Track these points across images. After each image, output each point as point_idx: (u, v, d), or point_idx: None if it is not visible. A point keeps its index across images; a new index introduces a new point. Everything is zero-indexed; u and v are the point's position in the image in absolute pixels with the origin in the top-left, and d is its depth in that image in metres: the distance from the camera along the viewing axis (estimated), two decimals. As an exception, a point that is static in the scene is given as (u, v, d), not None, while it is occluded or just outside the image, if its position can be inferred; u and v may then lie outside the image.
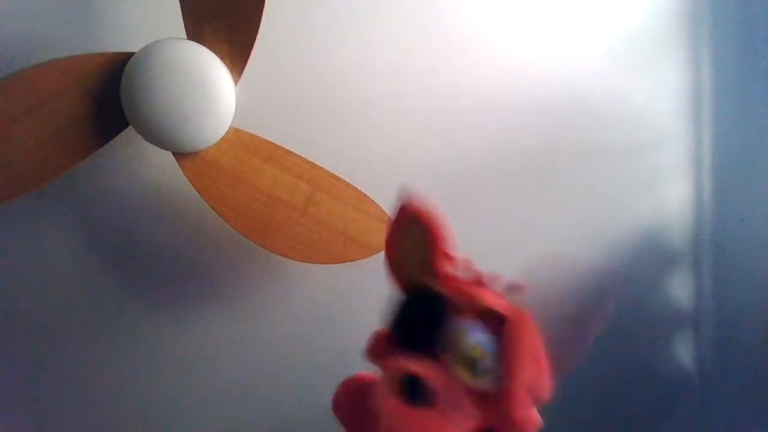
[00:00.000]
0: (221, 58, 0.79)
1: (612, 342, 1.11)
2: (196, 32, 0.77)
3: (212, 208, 0.82)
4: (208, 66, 0.78)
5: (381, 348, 0.58)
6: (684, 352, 1.15)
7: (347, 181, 0.86)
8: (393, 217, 0.63)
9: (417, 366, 0.50)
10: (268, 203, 0.83)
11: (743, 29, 1.04)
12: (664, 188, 1.10)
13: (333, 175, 0.86)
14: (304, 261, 0.86)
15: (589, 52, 1.03)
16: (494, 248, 1.04)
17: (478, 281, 0.59)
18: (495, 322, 0.53)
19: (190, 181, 0.81)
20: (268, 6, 0.75)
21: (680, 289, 1.14)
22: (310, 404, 1.01)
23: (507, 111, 1.01)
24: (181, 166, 0.81)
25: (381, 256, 0.84)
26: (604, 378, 1.12)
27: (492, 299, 0.56)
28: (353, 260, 0.87)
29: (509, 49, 1.00)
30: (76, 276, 0.93)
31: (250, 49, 0.78)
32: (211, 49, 0.78)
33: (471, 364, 0.51)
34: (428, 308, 0.55)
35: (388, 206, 0.88)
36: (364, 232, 0.87)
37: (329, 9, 0.92)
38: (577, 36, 1.02)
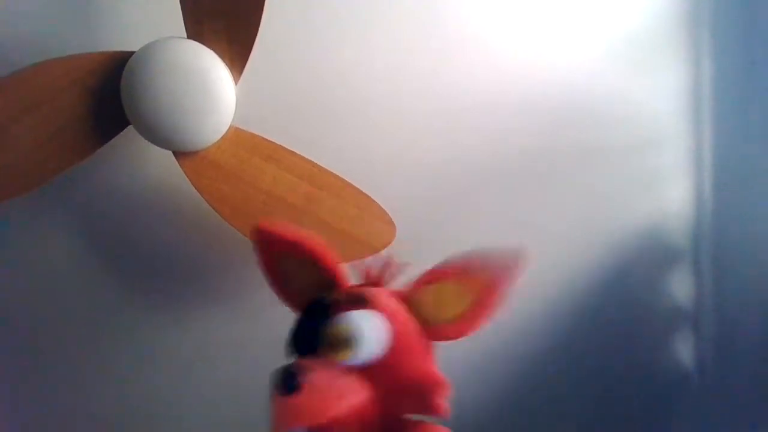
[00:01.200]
0: (221, 57, 0.79)
1: (612, 342, 1.11)
2: (196, 31, 0.77)
3: (212, 207, 0.82)
4: (208, 65, 0.78)
5: None
6: (684, 352, 1.15)
7: (347, 180, 0.86)
8: (258, 252, 0.71)
9: (290, 363, 0.58)
10: (269, 202, 0.83)
11: (743, 29, 1.04)
12: (664, 188, 1.10)
13: (333, 175, 0.86)
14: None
15: (589, 52, 1.03)
16: (490, 246, 1.04)
17: (372, 281, 0.69)
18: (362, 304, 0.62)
19: (190, 180, 0.82)
20: (268, 6, 0.75)
21: (680, 288, 1.14)
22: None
23: (507, 111, 1.01)
24: (181, 166, 0.81)
25: (381, 256, 0.84)
26: (603, 377, 1.12)
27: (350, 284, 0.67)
28: (353, 260, 0.87)
29: (509, 49, 1.00)
30: (76, 275, 0.93)
31: (250, 49, 0.78)
32: (211, 49, 0.78)
33: (341, 341, 0.59)
34: (314, 316, 0.63)
35: (389, 206, 0.88)
36: (365, 231, 0.87)
37: (329, 9, 0.92)
38: (577, 36, 1.02)
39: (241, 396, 1.01)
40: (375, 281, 0.69)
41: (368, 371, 0.60)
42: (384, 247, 0.87)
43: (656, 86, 1.07)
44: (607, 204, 1.08)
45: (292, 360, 0.60)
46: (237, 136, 0.83)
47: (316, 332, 0.61)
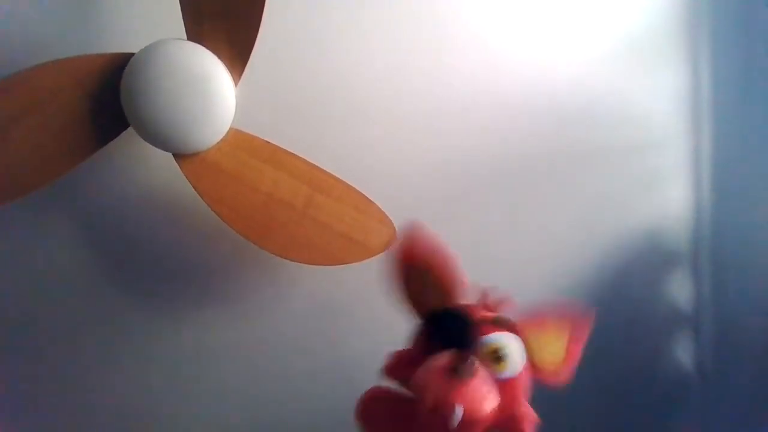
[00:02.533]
0: (221, 58, 0.79)
1: (612, 342, 1.11)
2: (196, 33, 0.77)
3: (212, 209, 0.82)
4: (208, 67, 0.78)
5: (401, 366, 0.69)
6: (684, 352, 1.15)
7: (347, 182, 0.86)
8: (399, 259, 0.72)
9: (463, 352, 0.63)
10: (268, 204, 0.83)
11: (743, 29, 1.04)
12: (664, 189, 1.10)
13: (333, 177, 0.86)
14: (303, 262, 0.86)
15: (589, 53, 1.03)
16: (494, 249, 1.04)
17: (485, 304, 0.74)
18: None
19: (190, 182, 0.81)
20: (268, 6, 0.75)
21: (680, 289, 1.14)
22: (309, 405, 1.02)
23: (506, 112, 1.01)
24: (181, 167, 0.81)
25: (380, 258, 0.84)
26: (604, 378, 1.12)
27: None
28: (353, 262, 0.87)
29: (509, 51, 1.00)
30: (76, 276, 0.93)
31: (250, 50, 0.78)
32: (211, 50, 0.78)
33: (500, 356, 0.65)
34: (457, 325, 0.68)
35: (389, 207, 0.88)
36: (364, 233, 0.87)
37: (329, 10, 0.92)
38: (577, 37, 1.02)
39: (241, 396, 1.01)
40: (486, 305, 0.73)
41: (499, 387, 0.65)
42: (384, 248, 0.88)
43: (656, 87, 1.07)
44: (606, 205, 1.08)
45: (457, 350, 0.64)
46: (237, 138, 0.83)
47: (471, 338, 0.66)
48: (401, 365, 0.69)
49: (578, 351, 0.70)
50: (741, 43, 1.04)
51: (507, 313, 0.73)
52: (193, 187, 0.82)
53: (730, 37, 1.05)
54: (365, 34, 0.95)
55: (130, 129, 0.79)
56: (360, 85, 0.95)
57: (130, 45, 0.78)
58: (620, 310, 1.11)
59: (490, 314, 0.71)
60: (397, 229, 0.89)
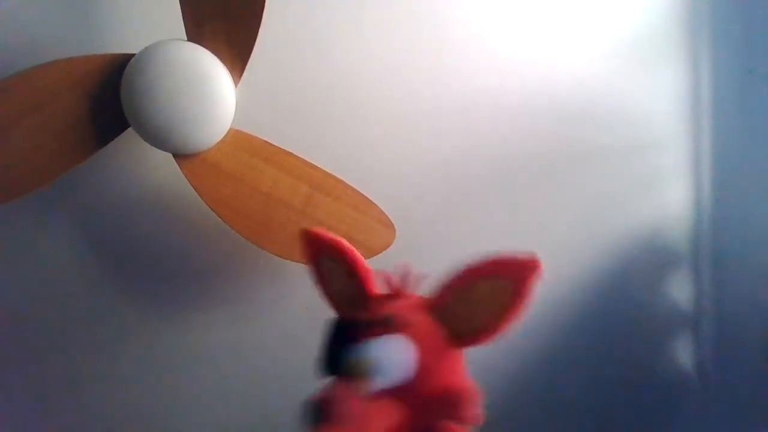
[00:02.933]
0: (221, 59, 0.79)
1: (612, 343, 1.11)
2: (196, 33, 0.77)
3: (212, 209, 0.82)
4: (208, 67, 0.78)
5: None
6: (684, 352, 1.15)
7: (347, 182, 0.86)
8: (305, 251, 0.73)
9: (321, 393, 0.58)
10: (268, 204, 0.84)
11: (743, 29, 1.04)
12: (664, 189, 1.10)
13: (332, 177, 0.86)
14: (302, 262, 0.86)
15: (589, 53, 1.03)
16: (494, 249, 1.04)
17: (397, 290, 0.68)
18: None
19: (190, 182, 0.82)
20: (268, 7, 0.75)
21: (680, 289, 1.14)
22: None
23: (506, 113, 1.01)
24: (181, 168, 0.81)
25: (380, 257, 0.84)
26: (604, 379, 1.12)
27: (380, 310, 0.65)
28: (353, 261, 0.87)
29: (509, 51, 1.00)
30: (76, 277, 0.93)
31: (250, 51, 0.78)
32: (211, 51, 0.78)
33: (360, 372, 0.59)
34: (342, 339, 0.64)
35: (389, 208, 0.88)
36: (364, 233, 0.87)
37: (329, 11, 0.92)
38: (577, 37, 1.02)
39: (241, 396, 1.01)
40: (398, 290, 0.69)
41: (398, 392, 0.60)
42: (383, 249, 0.88)
43: (656, 88, 1.07)
44: (606, 205, 1.08)
45: (323, 386, 0.61)
46: (237, 139, 0.83)
47: (342, 357, 0.62)
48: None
49: (521, 300, 0.61)
50: (741, 43, 1.04)
51: (426, 289, 0.67)
52: (193, 187, 0.82)
53: (730, 37, 1.05)
54: (365, 34, 0.95)
55: (130, 129, 0.79)
56: (360, 85, 0.95)
57: (130, 45, 0.78)
58: (620, 310, 1.11)
59: (371, 316, 0.65)
60: (396, 229, 0.89)
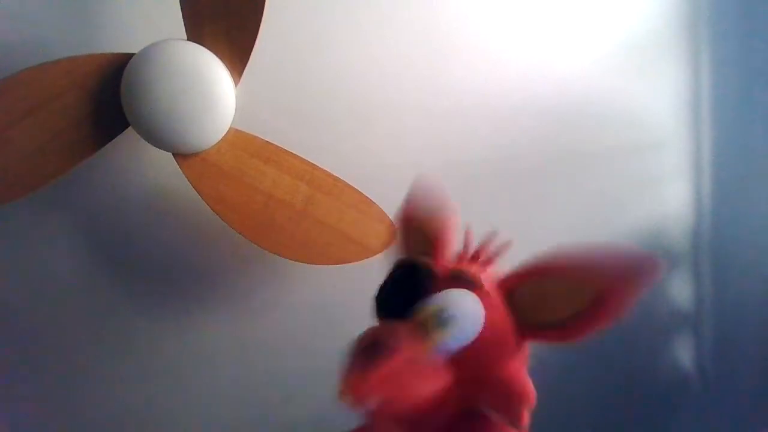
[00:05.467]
0: (221, 59, 0.79)
1: (612, 343, 1.11)
2: (196, 33, 0.77)
3: (212, 209, 0.82)
4: (208, 67, 0.78)
5: None
6: (684, 352, 1.15)
7: (347, 182, 0.86)
8: (402, 210, 0.69)
9: (379, 329, 0.54)
10: (268, 204, 0.84)
11: (743, 30, 1.04)
12: (664, 189, 1.10)
13: (333, 177, 0.86)
14: (303, 262, 0.86)
15: (589, 55, 1.03)
16: (493, 249, 1.04)
17: (474, 256, 0.63)
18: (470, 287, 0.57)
19: (190, 182, 0.82)
20: (268, 7, 0.75)
21: (680, 289, 1.14)
22: (309, 404, 1.01)
23: (507, 113, 1.01)
24: (181, 167, 0.81)
25: (380, 257, 0.84)
26: (604, 380, 1.12)
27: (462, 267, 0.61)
28: (352, 261, 0.87)
29: (509, 52, 1.00)
30: (77, 277, 0.93)
31: (250, 50, 0.78)
32: (211, 51, 0.78)
33: (439, 322, 0.53)
34: (412, 282, 0.57)
35: (388, 207, 0.88)
36: (364, 233, 0.87)
37: (329, 11, 0.92)
38: (577, 39, 1.02)
39: (242, 397, 1.01)
40: (473, 259, 0.63)
41: (456, 356, 0.54)
42: (384, 248, 0.88)
43: (656, 89, 1.07)
44: (606, 206, 1.08)
45: (378, 321, 0.57)
46: (237, 138, 0.83)
47: (412, 301, 0.56)
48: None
49: (613, 306, 0.53)
50: (741, 43, 1.04)
51: (505, 265, 0.62)
52: (193, 187, 0.82)
53: (730, 37, 1.05)
54: (365, 35, 0.95)
55: (130, 129, 0.79)
56: (360, 85, 0.95)
57: (130, 45, 0.78)
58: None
59: (450, 268, 0.60)
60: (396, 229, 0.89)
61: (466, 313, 0.54)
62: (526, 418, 0.55)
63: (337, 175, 0.86)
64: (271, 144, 0.84)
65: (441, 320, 0.53)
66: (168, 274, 0.95)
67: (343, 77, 0.94)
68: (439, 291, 0.56)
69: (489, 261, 0.63)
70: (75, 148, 0.79)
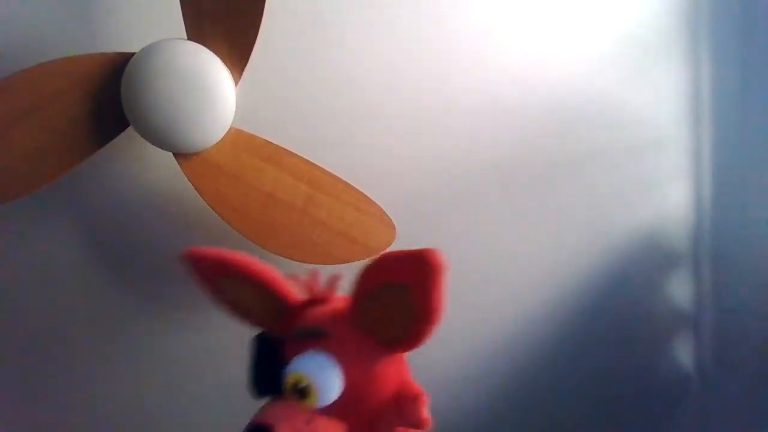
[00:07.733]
0: (222, 58, 0.78)
1: (612, 344, 1.11)
2: (196, 33, 0.77)
3: (212, 208, 0.82)
4: (209, 66, 0.78)
5: None
6: (684, 352, 1.15)
7: (348, 181, 0.86)
8: (197, 279, 0.69)
9: (263, 415, 0.57)
10: (269, 204, 0.83)
11: (743, 29, 1.04)
12: (664, 190, 1.10)
13: (333, 176, 0.86)
14: (304, 262, 0.86)
15: (589, 55, 1.03)
16: (494, 250, 1.04)
17: (313, 296, 0.65)
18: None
19: (190, 181, 0.81)
20: (269, 7, 0.75)
21: (680, 289, 1.14)
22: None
23: (506, 113, 1.01)
24: (181, 167, 0.81)
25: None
26: (603, 380, 1.12)
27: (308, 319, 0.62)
28: (353, 261, 0.87)
29: (509, 52, 1.00)
30: (77, 277, 0.93)
31: (251, 50, 0.78)
32: (211, 50, 0.78)
33: (303, 392, 0.56)
34: (270, 357, 0.61)
35: (389, 207, 0.88)
36: (365, 233, 0.87)
37: (330, 9, 0.92)
38: (577, 38, 1.02)
39: (241, 396, 1.01)
40: (321, 296, 0.65)
41: (338, 406, 0.57)
42: (384, 248, 0.88)
43: (656, 89, 1.07)
44: (606, 206, 1.08)
45: (264, 407, 0.59)
46: (237, 138, 0.83)
47: (276, 376, 0.59)
48: None
49: (434, 302, 0.52)
50: (741, 43, 1.04)
51: (339, 291, 0.63)
52: (194, 186, 0.82)
53: (730, 37, 1.05)
54: (365, 33, 0.95)
55: (130, 129, 0.79)
56: (361, 85, 0.95)
57: (130, 45, 0.78)
58: (620, 310, 1.11)
59: (297, 326, 0.61)
60: (397, 229, 0.89)
61: (319, 377, 0.56)
62: (425, 416, 0.58)
63: (338, 175, 0.86)
64: (272, 143, 0.84)
65: (300, 392, 0.56)
66: (168, 274, 0.95)
67: (344, 76, 0.94)
68: (291, 356, 0.58)
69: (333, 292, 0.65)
70: (75, 148, 0.79)
